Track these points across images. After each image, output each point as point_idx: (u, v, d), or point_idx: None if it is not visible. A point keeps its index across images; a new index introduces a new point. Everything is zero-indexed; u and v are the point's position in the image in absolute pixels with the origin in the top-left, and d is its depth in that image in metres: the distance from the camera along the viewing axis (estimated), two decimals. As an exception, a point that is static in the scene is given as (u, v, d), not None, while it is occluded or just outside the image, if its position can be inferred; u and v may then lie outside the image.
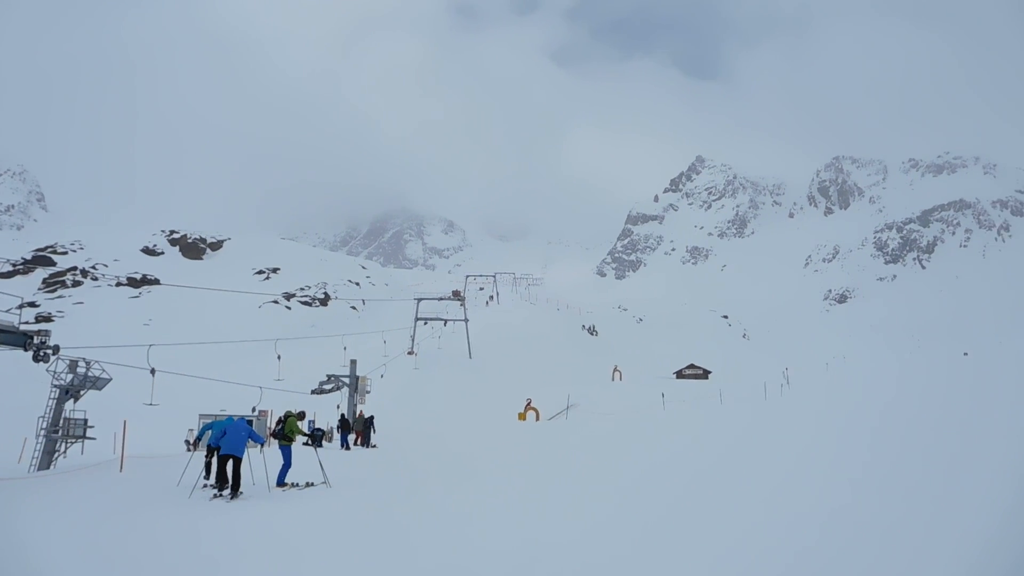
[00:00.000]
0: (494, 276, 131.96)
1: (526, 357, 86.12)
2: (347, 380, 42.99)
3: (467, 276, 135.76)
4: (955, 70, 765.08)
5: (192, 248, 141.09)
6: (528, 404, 52.70)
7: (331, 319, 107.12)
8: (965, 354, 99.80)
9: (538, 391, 59.65)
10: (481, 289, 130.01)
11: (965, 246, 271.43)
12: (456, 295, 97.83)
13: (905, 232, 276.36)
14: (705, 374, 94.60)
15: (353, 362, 43.57)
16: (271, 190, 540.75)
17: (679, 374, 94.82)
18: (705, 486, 17.44)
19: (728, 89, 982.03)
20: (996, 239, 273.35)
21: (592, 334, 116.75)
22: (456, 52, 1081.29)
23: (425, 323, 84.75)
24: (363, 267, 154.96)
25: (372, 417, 36.39)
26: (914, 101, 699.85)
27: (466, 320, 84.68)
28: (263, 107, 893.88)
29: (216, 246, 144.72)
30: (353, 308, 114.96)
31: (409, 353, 77.28)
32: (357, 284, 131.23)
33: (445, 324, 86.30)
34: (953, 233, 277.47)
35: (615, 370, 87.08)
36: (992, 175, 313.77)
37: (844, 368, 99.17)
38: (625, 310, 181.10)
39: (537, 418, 50.95)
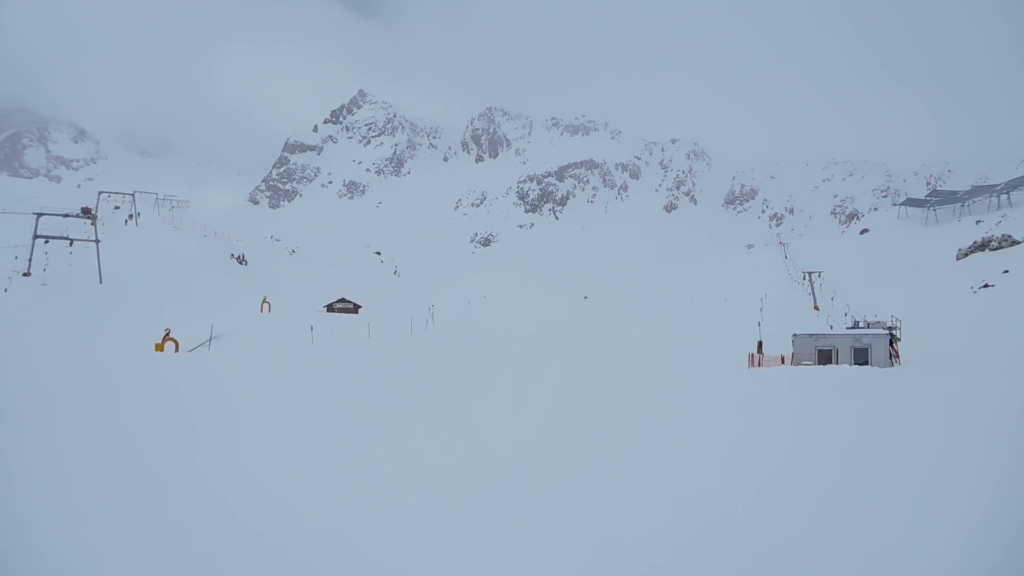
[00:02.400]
0: (133, 195, 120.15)
1: (166, 285, 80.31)
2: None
3: (100, 192, 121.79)
4: (591, 43, 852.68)
5: None
6: (167, 334, 49.48)
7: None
8: (585, 297, 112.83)
9: (179, 321, 56.20)
10: (117, 208, 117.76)
11: (592, 202, 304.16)
12: (87, 212, 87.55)
13: (544, 184, 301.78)
14: (356, 308, 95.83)
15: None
16: None
17: (330, 308, 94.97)
18: (354, 422, 17.97)
19: (390, 30, 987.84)
20: (616, 197, 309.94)
21: (241, 263, 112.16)
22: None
23: (46, 242, 74.99)
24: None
25: None
26: (558, 64, 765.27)
27: (97, 241, 76.47)
28: None
29: None
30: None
31: (24, 275, 68.10)
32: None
33: (71, 244, 77.16)
34: (583, 189, 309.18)
35: (264, 301, 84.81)
36: (617, 140, 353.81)
37: (483, 305, 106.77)
38: (278, 240, 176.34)
39: (176, 349, 48.08)
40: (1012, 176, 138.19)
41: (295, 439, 20.14)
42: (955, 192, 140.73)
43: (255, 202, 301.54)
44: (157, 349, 47.26)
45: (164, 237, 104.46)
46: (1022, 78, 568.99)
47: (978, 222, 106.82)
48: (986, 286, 63.77)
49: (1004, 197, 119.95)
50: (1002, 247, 79.79)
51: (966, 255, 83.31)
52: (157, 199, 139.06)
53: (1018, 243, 79.15)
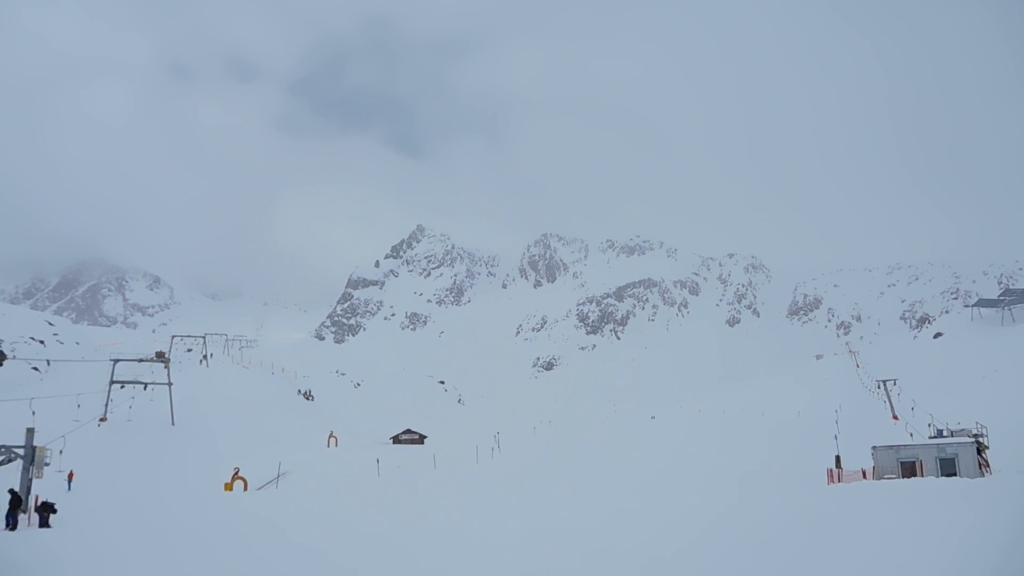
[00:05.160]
0: (204, 337, 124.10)
1: (236, 423, 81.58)
2: (20, 451, 37.88)
3: (173, 336, 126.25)
4: (636, 165, 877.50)
5: None
6: (236, 473, 49.81)
7: (7, 382, 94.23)
8: (652, 417, 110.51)
9: (248, 459, 56.68)
10: (189, 351, 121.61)
11: (653, 320, 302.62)
12: (160, 356, 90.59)
13: (603, 305, 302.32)
14: (421, 439, 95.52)
15: (30, 431, 38.57)
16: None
17: (395, 439, 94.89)
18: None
19: (438, 169, 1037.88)
20: (677, 315, 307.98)
21: (308, 399, 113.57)
22: (168, 108, 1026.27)
23: (122, 387, 77.41)
24: (50, 323, 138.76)
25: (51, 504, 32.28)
26: (607, 189, 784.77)
27: (170, 384, 78.60)
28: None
29: None
30: (35, 369, 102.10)
31: (100, 420, 70.00)
32: (42, 342, 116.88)
33: (145, 388, 79.43)
34: (643, 308, 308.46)
35: (331, 435, 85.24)
36: (674, 258, 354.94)
37: (550, 431, 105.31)
38: (343, 374, 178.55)
39: (245, 488, 48.27)
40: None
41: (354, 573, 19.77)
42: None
43: (320, 337, 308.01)
44: (226, 488, 47.54)
45: (233, 377, 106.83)
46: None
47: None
48: (1075, 386, 60.67)
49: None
50: (1087, 344, 76.32)
51: (1049, 355, 79.83)
52: (227, 340, 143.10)
53: (1104, 339, 75.67)
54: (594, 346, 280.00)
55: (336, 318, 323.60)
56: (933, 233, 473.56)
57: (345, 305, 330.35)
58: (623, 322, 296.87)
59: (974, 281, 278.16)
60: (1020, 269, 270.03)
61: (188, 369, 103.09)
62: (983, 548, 17.93)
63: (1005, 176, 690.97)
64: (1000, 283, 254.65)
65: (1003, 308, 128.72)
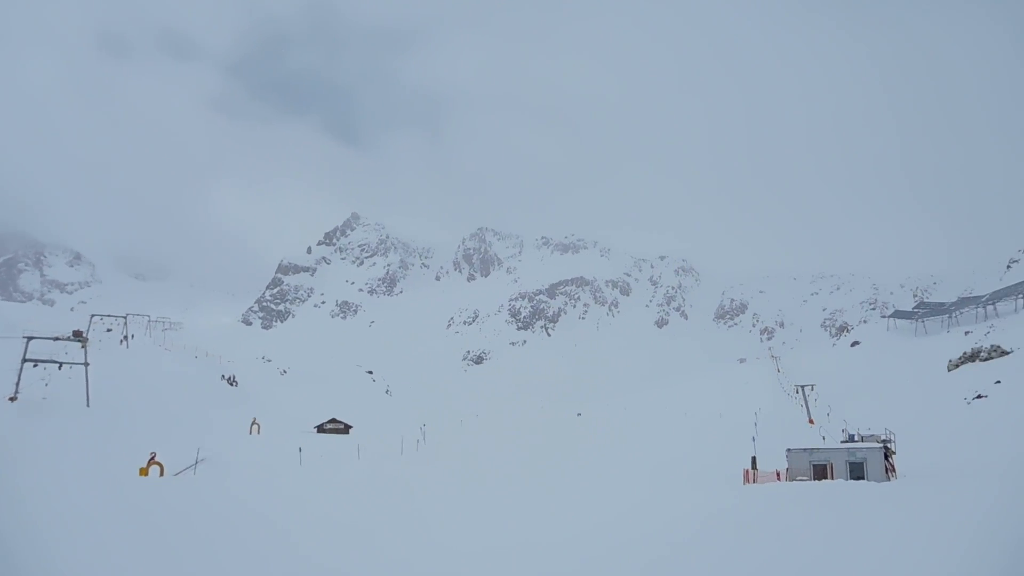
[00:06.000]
0: (126, 317, 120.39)
1: (155, 407, 79.41)
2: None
3: (92, 315, 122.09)
4: (575, 165, 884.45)
5: None
6: (152, 458, 48.52)
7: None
8: (579, 414, 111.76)
9: (167, 444, 55.24)
10: (109, 331, 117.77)
11: (583, 318, 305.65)
12: (77, 335, 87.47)
13: (535, 302, 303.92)
14: (346, 429, 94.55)
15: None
16: None
17: (320, 428, 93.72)
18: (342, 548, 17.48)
19: (375, 158, 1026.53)
20: (607, 314, 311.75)
21: (232, 384, 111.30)
22: (99, 80, 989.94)
23: (35, 365, 74.48)
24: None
25: None
26: (544, 186, 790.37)
27: (86, 364, 75.99)
28: None
29: None
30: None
31: (11, 399, 67.30)
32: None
33: (60, 367, 76.60)
34: (574, 306, 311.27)
35: (254, 423, 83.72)
36: (607, 258, 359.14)
37: (477, 424, 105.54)
38: (269, 361, 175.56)
39: (162, 473, 47.06)
40: (996, 287, 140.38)
41: (273, 566, 19.52)
42: (942, 304, 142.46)
43: (248, 323, 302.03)
44: (141, 473, 46.28)
45: (155, 359, 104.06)
46: (1001, 191, 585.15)
47: (967, 333, 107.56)
48: (979, 396, 63.59)
49: (990, 308, 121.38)
50: (992, 357, 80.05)
51: (957, 366, 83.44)
52: (149, 321, 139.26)
53: (1007, 353, 79.47)
54: (524, 342, 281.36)
55: (264, 304, 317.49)
56: (856, 245, 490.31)
57: (274, 291, 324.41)
58: (554, 319, 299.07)
59: (891, 293, 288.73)
60: (934, 284, 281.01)
61: (107, 350, 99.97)
62: (888, 546, 18.68)
63: (922, 194, 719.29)
64: (915, 296, 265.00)
65: (916, 320, 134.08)
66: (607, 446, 67.10)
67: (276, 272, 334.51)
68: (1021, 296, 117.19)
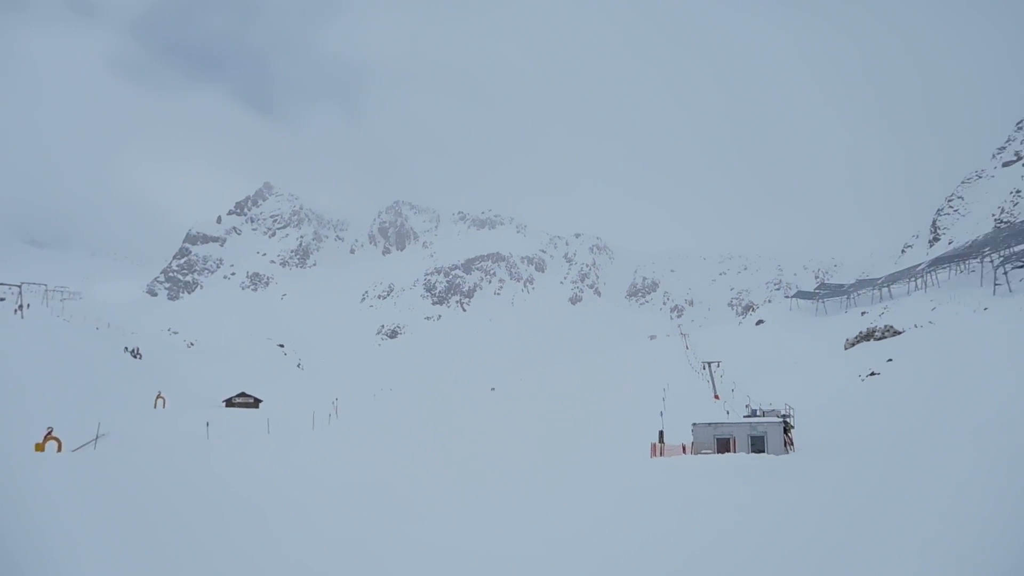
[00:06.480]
0: (20, 286, 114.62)
1: (53, 380, 76.19)
2: None
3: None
4: (492, 140, 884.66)
5: None
6: (48, 433, 46.67)
7: None
8: (492, 389, 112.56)
9: (66, 418, 53.19)
10: (2, 299, 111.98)
11: (499, 294, 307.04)
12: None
13: (451, 277, 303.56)
14: (256, 403, 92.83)
15: None
16: None
17: (229, 402, 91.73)
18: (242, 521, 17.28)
19: (290, 129, 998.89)
20: (523, 290, 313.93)
21: (136, 357, 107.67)
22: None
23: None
24: None
25: None
26: (462, 162, 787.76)
27: (-23, 335, 72.46)
28: None
29: None
30: None
31: None
32: None
33: (-52, 338, 72.87)
34: (490, 282, 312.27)
35: (159, 396, 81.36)
36: (523, 234, 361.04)
37: (390, 398, 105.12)
38: (176, 333, 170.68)
39: (59, 448, 45.33)
40: (891, 270, 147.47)
41: (171, 547, 19.16)
42: (841, 285, 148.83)
43: (153, 294, 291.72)
44: (37, 449, 44.50)
45: (52, 330, 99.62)
46: (899, 177, 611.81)
47: (863, 313, 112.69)
48: (873, 374, 66.83)
49: (885, 290, 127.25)
50: (885, 337, 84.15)
51: (853, 344, 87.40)
52: (47, 290, 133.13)
53: (899, 333, 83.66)
54: (439, 316, 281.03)
55: (171, 274, 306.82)
56: (763, 227, 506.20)
57: (182, 261, 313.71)
58: (469, 294, 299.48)
59: (795, 274, 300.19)
60: (835, 266, 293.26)
61: (0, 320, 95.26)
62: (785, 513, 19.61)
63: (826, 179, 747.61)
64: (817, 277, 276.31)
65: (818, 300, 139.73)
66: (521, 421, 67.88)
67: (184, 242, 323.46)
68: (914, 279, 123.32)
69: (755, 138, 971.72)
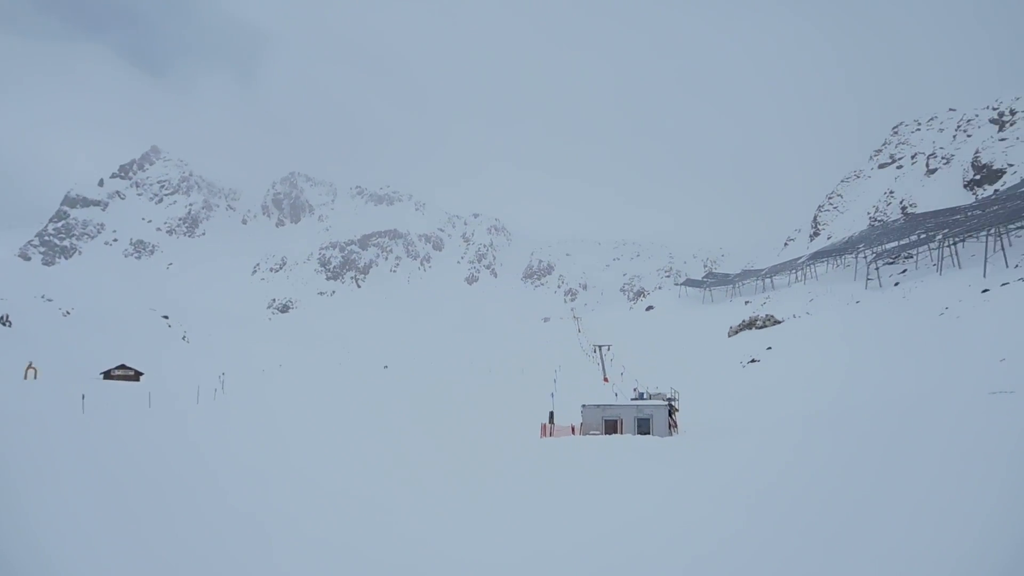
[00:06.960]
0: None
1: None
2: None
3: None
4: (393, 115, 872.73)
5: None
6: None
7: None
8: (385, 366, 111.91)
9: (-77, 388, 49.88)
10: None
11: (395, 271, 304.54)
12: None
13: (347, 252, 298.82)
14: (137, 376, 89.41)
15: None
16: None
17: (107, 374, 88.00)
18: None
19: (181, 93, 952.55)
20: (419, 268, 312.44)
21: (4, 324, 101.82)
22: None
23: None
24: None
25: None
26: (362, 136, 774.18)
27: None
28: None
29: None
30: None
31: None
32: None
33: None
34: (386, 258, 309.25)
35: (29, 367, 77.26)
36: (421, 212, 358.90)
37: (279, 374, 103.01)
38: (50, 300, 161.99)
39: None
40: (774, 262, 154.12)
41: (41, 523, 18.38)
42: (727, 275, 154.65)
43: (26, 258, 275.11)
44: None
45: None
46: (786, 172, 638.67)
47: (747, 302, 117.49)
48: (753, 361, 69.93)
49: (768, 281, 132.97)
50: (766, 325, 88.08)
51: (736, 332, 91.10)
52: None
53: (779, 322, 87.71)
54: (334, 292, 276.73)
55: (47, 238, 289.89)
56: (656, 216, 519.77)
57: (59, 224, 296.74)
58: (365, 271, 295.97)
59: (685, 262, 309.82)
60: (723, 255, 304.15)
61: None
62: (667, 491, 20.46)
63: (717, 170, 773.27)
64: (705, 265, 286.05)
65: (705, 288, 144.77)
66: (412, 400, 67.77)
67: (62, 204, 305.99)
68: (794, 271, 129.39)
69: (651, 130, 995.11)
